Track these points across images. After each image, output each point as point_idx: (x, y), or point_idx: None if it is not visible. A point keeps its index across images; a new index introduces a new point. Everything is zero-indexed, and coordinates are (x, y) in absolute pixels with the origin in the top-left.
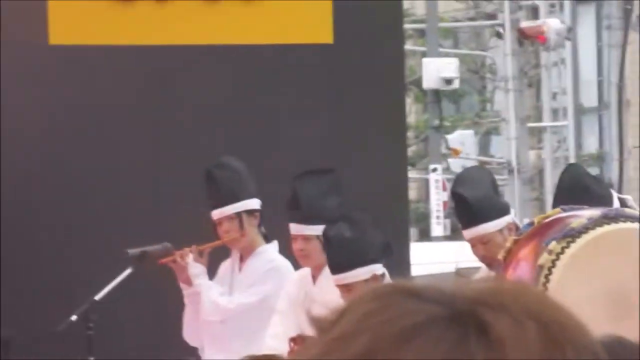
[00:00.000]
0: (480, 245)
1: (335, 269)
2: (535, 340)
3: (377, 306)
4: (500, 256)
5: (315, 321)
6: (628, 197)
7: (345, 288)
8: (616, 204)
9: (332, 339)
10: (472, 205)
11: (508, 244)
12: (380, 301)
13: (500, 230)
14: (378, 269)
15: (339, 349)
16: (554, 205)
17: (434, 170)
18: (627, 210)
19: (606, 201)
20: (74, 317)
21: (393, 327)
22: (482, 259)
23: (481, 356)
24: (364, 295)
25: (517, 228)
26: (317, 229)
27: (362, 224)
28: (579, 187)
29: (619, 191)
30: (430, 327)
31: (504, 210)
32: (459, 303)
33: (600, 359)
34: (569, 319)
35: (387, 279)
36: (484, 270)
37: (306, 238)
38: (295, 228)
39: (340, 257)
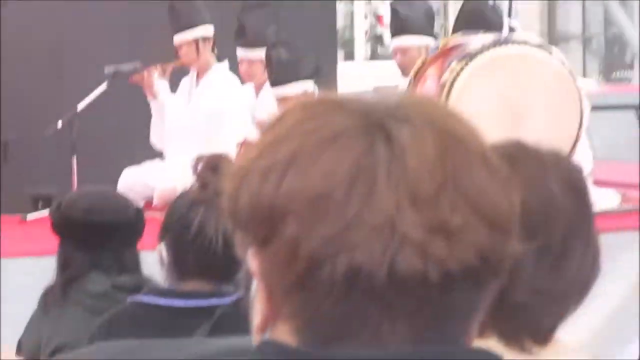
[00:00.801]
0: (400, 55)
1: (274, 83)
2: (431, 146)
3: (304, 116)
4: (410, 75)
5: (258, 124)
6: (516, 25)
7: (282, 101)
8: (506, 29)
9: (266, 142)
10: (403, 18)
11: (417, 64)
12: (307, 111)
13: (419, 48)
14: (310, 85)
15: (271, 151)
16: (455, 28)
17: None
18: (515, 35)
19: (498, 26)
20: (59, 124)
21: (315, 135)
22: (400, 65)
23: (385, 161)
24: (295, 105)
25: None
26: (260, 53)
27: (297, 46)
28: (478, 9)
29: (509, 14)
30: (345, 136)
31: (426, 32)
32: (371, 115)
33: (489, 161)
34: (463, 127)
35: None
36: (400, 87)
37: (250, 60)
38: (241, 52)
39: (278, 74)
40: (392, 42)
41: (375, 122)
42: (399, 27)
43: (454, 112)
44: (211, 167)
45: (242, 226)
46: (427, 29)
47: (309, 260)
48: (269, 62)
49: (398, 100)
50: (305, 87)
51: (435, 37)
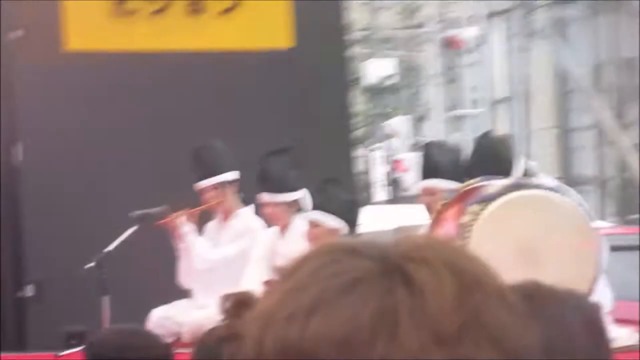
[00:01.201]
0: (427, 196)
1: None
2: (450, 287)
3: (324, 261)
4: (432, 216)
5: (277, 271)
6: (534, 164)
7: (314, 226)
8: (522, 167)
9: (287, 289)
10: (435, 161)
11: (438, 207)
12: (327, 256)
13: (446, 191)
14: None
15: (293, 297)
16: (470, 168)
17: (375, 149)
18: (533, 179)
19: (512, 165)
20: (91, 264)
21: (336, 280)
22: (427, 207)
23: (406, 304)
24: (315, 251)
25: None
26: (283, 197)
27: (346, 192)
28: (491, 152)
29: (527, 160)
30: (365, 281)
31: (454, 178)
32: (389, 258)
33: (508, 300)
34: (480, 268)
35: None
36: (423, 229)
37: (275, 204)
38: (266, 197)
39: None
40: (420, 184)
41: (393, 265)
42: (431, 169)
43: (470, 253)
44: (240, 304)
45: None
46: (455, 175)
47: None
48: (321, 192)
49: (414, 243)
50: (337, 225)
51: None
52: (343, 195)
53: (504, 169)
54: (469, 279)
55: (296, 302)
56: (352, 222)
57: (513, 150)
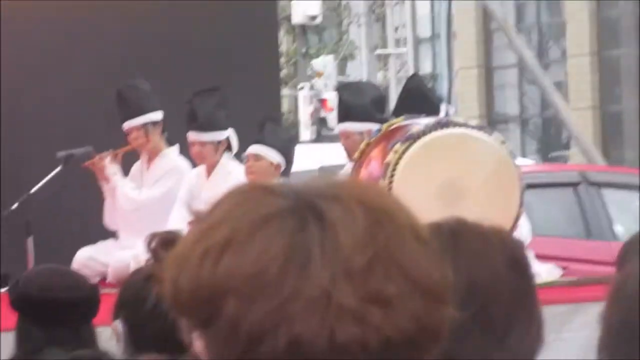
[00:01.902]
0: (343, 139)
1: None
2: (361, 221)
3: (238, 200)
4: (355, 156)
5: (195, 214)
6: (451, 108)
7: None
8: (443, 111)
9: (203, 228)
10: (347, 105)
11: (362, 146)
12: (241, 196)
13: (362, 133)
14: (276, 157)
15: (207, 235)
16: (397, 108)
17: (301, 88)
18: (454, 118)
19: (437, 108)
20: (14, 206)
21: (248, 217)
22: (345, 149)
23: (317, 237)
24: (230, 192)
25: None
26: (211, 136)
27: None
28: (419, 93)
29: (449, 99)
30: (277, 216)
31: (371, 119)
32: (302, 197)
33: (420, 235)
34: (393, 205)
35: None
36: (346, 168)
37: (202, 143)
38: (192, 135)
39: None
40: (337, 127)
41: (306, 202)
42: (344, 113)
43: (382, 190)
44: (165, 243)
45: (184, 310)
46: (373, 115)
47: (250, 336)
48: (261, 129)
49: (327, 182)
50: (275, 158)
51: (383, 122)
52: (283, 132)
53: (430, 110)
54: (381, 215)
55: (209, 240)
56: (289, 159)
57: (436, 92)
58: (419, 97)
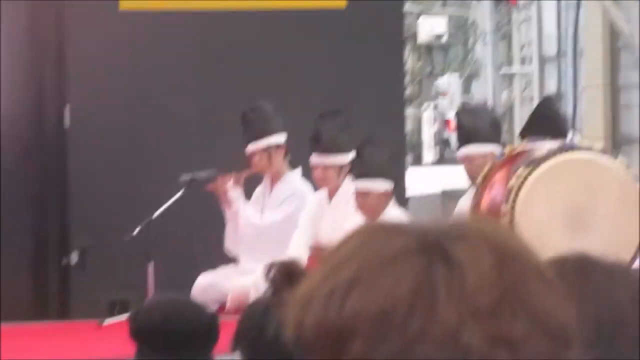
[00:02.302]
0: (466, 163)
1: (360, 176)
2: (488, 261)
3: (363, 240)
4: (478, 180)
5: (317, 250)
6: (576, 133)
7: (362, 195)
8: (570, 135)
9: (327, 268)
10: (468, 128)
11: (485, 170)
12: (366, 236)
13: (484, 156)
14: (390, 186)
15: (332, 275)
16: (525, 128)
17: (426, 108)
18: (579, 142)
19: (565, 131)
20: (136, 231)
21: (374, 256)
22: (468, 173)
23: (444, 277)
24: (355, 231)
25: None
26: (334, 159)
27: (385, 149)
28: (549, 115)
29: (573, 122)
30: (403, 256)
31: (491, 140)
32: (427, 236)
33: (546, 276)
34: (519, 245)
35: (392, 201)
36: (468, 192)
37: (325, 167)
38: (316, 157)
39: (366, 167)
40: (458, 151)
41: (432, 242)
42: (465, 136)
43: (507, 229)
44: (284, 273)
45: (309, 350)
46: (492, 137)
47: None
48: (359, 155)
49: (452, 221)
50: (387, 186)
51: (501, 144)
52: (381, 154)
53: (558, 133)
54: (508, 255)
55: (335, 280)
56: (395, 177)
57: (564, 114)
58: (549, 119)
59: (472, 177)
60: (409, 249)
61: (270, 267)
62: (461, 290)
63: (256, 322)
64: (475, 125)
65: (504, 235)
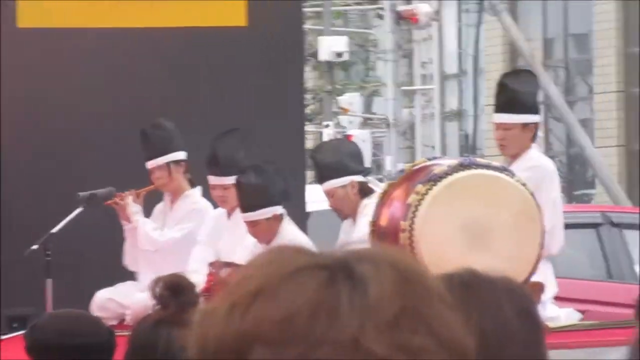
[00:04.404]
0: (329, 198)
1: (244, 209)
2: (391, 280)
3: (268, 258)
4: (378, 196)
5: (218, 268)
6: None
7: (251, 224)
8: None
9: (232, 284)
10: (321, 167)
11: (384, 186)
12: (271, 255)
13: (343, 186)
14: (278, 209)
15: (235, 290)
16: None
17: (327, 125)
18: (478, 159)
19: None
20: (35, 246)
21: (278, 271)
22: (331, 207)
23: (346, 290)
24: (260, 253)
25: (360, 186)
26: (232, 179)
27: (267, 172)
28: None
29: (474, 141)
30: (307, 270)
31: (345, 172)
32: (332, 255)
33: (444, 296)
34: (419, 267)
35: (286, 217)
36: (368, 208)
37: (224, 187)
38: (214, 179)
39: (248, 200)
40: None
41: (336, 259)
42: (320, 174)
43: (411, 256)
44: (170, 287)
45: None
46: (349, 169)
47: None
48: (239, 188)
49: (357, 246)
50: (273, 211)
51: (363, 171)
52: (264, 180)
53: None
54: (409, 276)
55: (238, 294)
56: (285, 195)
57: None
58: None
59: (336, 210)
60: (313, 265)
61: (155, 283)
62: (364, 302)
63: (146, 337)
64: (329, 161)
65: (406, 258)
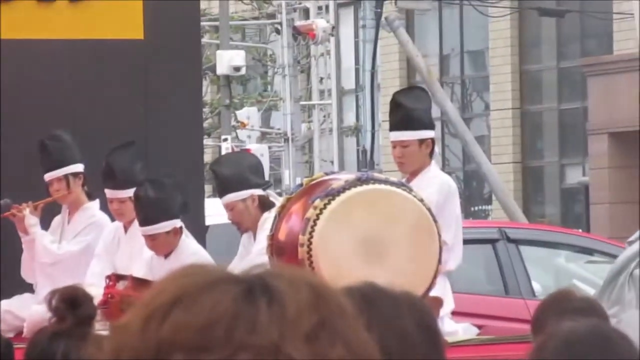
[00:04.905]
0: (229, 212)
1: (143, 223)
2: (305, 294)
3: (182, 273)
4: (276, 210)
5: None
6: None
7: (150, 238)
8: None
9: (146, 297)
10: (221, 180)
11: (282, 200)
12: (185, 270)
13: (243, 200)
14: (177, 222)
15: (150, 302)
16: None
17: (225, 139)
18: (376, 174)
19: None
20: None
21: (194, 283)
22: (232, 222)
23: (264, 301)
24: (173, 270)
25: (260, 200)
26: (128, 192)
27: (164, 185)
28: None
29: (371, 157)
30: (223, 282)
31: (245, 186)
32: (248, 271)
33: (352, 312)
34: (330, 287)
35: (185, 231)
36: (267, 221)
37: (120, 200)
38: (111, 193)
39: (146, 213)
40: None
41: (252, 274)
42: (221, 187)
43: (320, 276)
44: (66, 300)
45: None
46: (249, 182)
47: None
48: (137, 201)
49: (271, 266)
50: (172, 224)
51: (262, 184)
52: (159, 193)
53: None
54: (322, 292)
55: (153, 305)
56: (184, 209)
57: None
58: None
59: (236, 224)
60: (229, 278)
61: (52, 295)
62: (282, 313)
63: (42, 350)
64: (229, 174)
65: (316, 278)
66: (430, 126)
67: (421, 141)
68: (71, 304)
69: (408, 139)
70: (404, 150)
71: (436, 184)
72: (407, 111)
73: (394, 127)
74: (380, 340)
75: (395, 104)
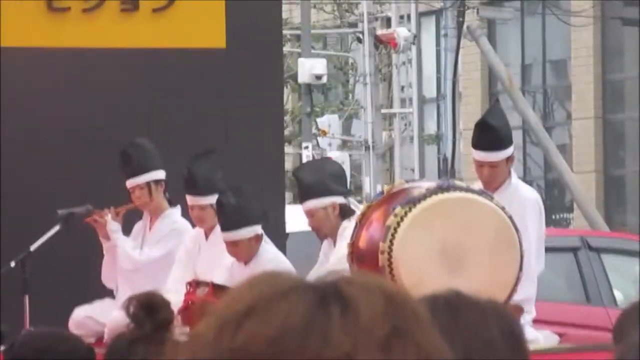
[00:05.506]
0: (309, 218)
1: (225, 229)
2: (379, 300)
3: (256, 280)
4: (357, 218)
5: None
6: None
7: (232, 244)
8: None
9: (221, 306)
10: (303, 186)
11: (363, 208)
12: (259, 277)
13: (324, 208)
14: (258, 229)
15: (224, 311)
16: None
17: (306, 147)
18: (457, 182)
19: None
20: (12, 264)
21: (268, 292)
22: (311, 227)
23: (338, 309)
24: (247, 278)
25: (341, 208)
26: (209, 199)
27: (246, 193)
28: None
29: (452, 165)
30: (296, 291)
31: (327, 193)
32: (321, 278)
33: (428, 318)
34: (404, 292)
35: (265, 237)
36: (347, 230)
37: (202, 207)
38: (192, 200)
39: (228, 219)
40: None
41: (325, 282)
42: (303, 193)
43: (401, 284)
44: (144, 306)
45: None
46: (331, 189)
47: None
48: (220, 208)
49: (344, 272)
50: (254, 231)
51: (345, 193)
52: (243, 201)
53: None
54: (396, 298)
55: (227, 314)
56: (265, 216)
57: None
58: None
59: (315, 230)
60: (302, 286)
61: (129, 302)
62: (355, 321)
63: (121, 356)
64: (311, 180)
65: (389, 284)
66: (512, 140)
67: (508, 158)
68: (149, 310)
69: (498, 159)
70: (492, 170)
71: (528, 207)
72: (495, 131)
73: (483, 147)
74: (465, 348)
75: (483, 125)
